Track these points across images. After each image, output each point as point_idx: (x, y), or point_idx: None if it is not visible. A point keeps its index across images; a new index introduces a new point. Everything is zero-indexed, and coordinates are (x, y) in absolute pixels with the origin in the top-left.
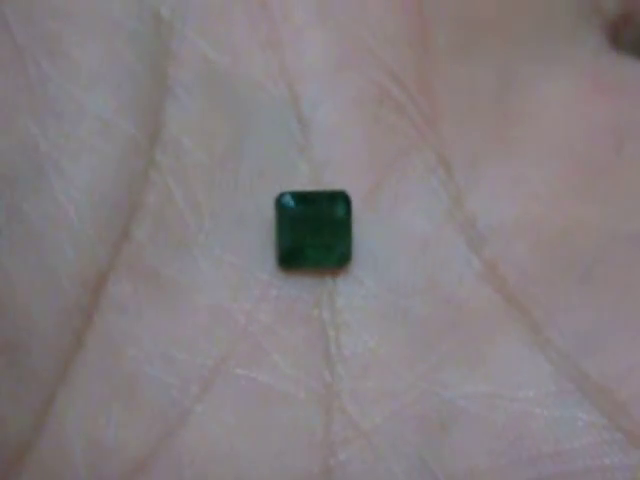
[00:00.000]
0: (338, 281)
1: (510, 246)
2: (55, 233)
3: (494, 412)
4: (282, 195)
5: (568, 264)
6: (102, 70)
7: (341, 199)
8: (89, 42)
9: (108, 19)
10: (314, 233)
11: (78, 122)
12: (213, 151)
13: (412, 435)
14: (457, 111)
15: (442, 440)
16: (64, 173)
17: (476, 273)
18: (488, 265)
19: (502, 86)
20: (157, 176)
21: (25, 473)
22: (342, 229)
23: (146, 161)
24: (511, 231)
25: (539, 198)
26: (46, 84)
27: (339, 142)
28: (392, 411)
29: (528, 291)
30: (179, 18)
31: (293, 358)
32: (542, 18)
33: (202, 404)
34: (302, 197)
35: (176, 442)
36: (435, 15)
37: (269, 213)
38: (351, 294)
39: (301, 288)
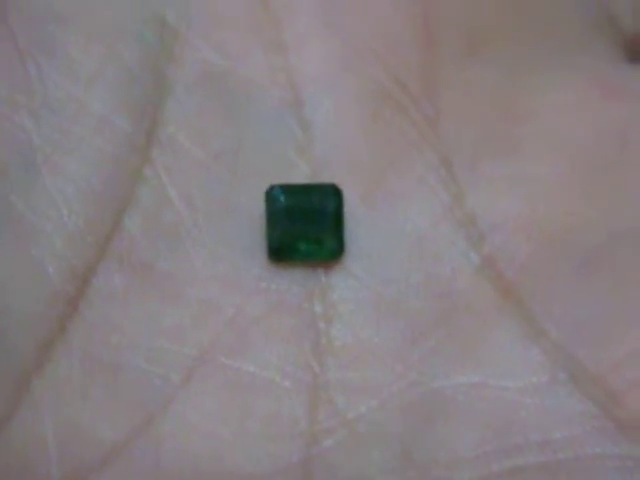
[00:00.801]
0: (331, 274)
1: (510, 242)
2: (44, 223)
3: (482, 401)
4: (272, 188)
5: (566, 258)
6: (101, 69)
7: (332, 192)
8: (90, 44)
9: (112, 23)
10: (304, 226)
11: (75, 118)
12: (210, 149)
13: (396, 424)
14: (459, 111)
15: (427, 429)
16: (57, 167)
17: (473, 268)
18: (486, 260)
19: (505, 88)
20: (152, 172)
21: None
22: (333, 222)
23: (141, 158)
24: (511, 228)
25: (540, 196)
26: (45, 83)
27: (339, 141)
28: (378, 401)
29: (525, 285)
30: (184, 23)
31: (281, 349)
32: (552, 26)
33: (184, 392)
34: (292, 190)
35: (154, 428)
36: (442, 20)
37: (263, 208)
38: (344, 287)
39: (292, 281)
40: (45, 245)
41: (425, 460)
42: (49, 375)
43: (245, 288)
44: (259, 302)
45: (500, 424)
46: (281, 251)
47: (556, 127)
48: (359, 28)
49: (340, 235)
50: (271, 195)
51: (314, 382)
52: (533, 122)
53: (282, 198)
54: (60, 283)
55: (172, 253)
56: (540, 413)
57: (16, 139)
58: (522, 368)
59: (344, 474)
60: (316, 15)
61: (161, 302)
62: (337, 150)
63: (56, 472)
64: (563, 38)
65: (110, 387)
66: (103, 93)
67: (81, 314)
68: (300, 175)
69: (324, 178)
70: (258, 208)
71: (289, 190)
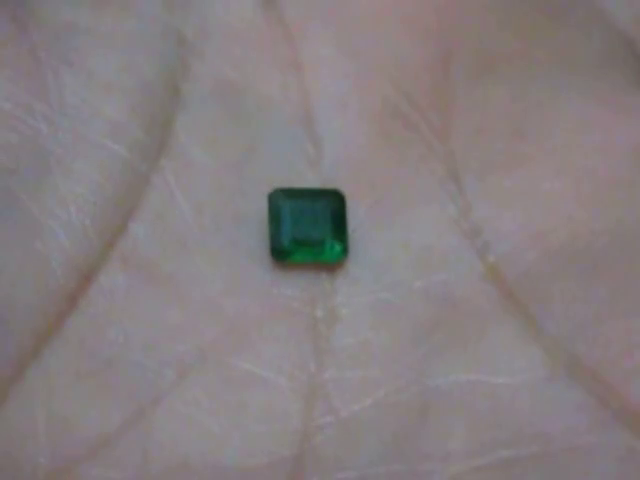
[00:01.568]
0: (334, 279)
1: (514, 251)
2: (51, 221)
3: (476, 397)
4: (275, 191)
5: (569, 263)
6: (118, 79)
7: (334, 196)
8: (108, 55)
9: (131, 36)
10: (307, 229)
11: (89, 123)
12: (221, 159)
13: (389, 421)
14: (468, 127)
15: (419, 425)
16: (68, 168)
17: (478, 276)
18: (491, 269)
19: (516, 106)
20: (160, 179)
21: None
22: (336, 225)
23: (151, 165)
24: (516, 238)
25: (546, 207)
26: (62, 90)
27: (349, 156)
28: (374, 399)
29: (526, 287)
30: (201, 39)
31: (279, 349)
32: (566, 51)
33: (178, 388)
34: (295, 194)
35: (145, 421)
36: (457, 43)
37: None
38: (346, 293)
39: (295, 286)
40: (51, 241)
41: (415, 455)
42: (44, 366)
43: (247, 291)
44: (261, 305)
45: (493, 417)
46: (284, 253)
47: (565, 144)
48: (372, 48)
49: (343, 238)
50: (274, 198)
51: (310, 380)
52: (542, 139)
53: (285, 201)
54: (63, 279)
55: (176, 255)
56: (535, 406)
57: (31, 141)
58: (520, 365)
59: (334, 469)
60: (331, 34)
61: (162, 301)
62: (346, 164)
63: (44, 461)
64: (578, 61)
65: (103, 380)
66: (118, 101)
67: (81, 310)
68: (308, 184)
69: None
70: (265, 214)
71: (292, 194)
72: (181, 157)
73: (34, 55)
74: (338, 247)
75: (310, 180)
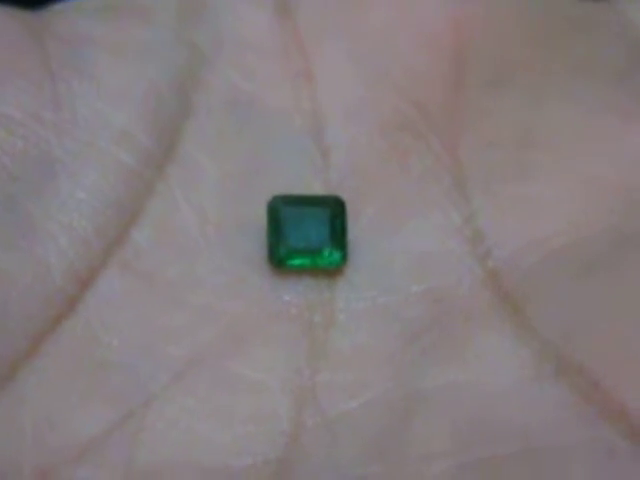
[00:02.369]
0: (333, 285)
1: (513, 257)
2: (53, 225)
3: (461, 397)
4: (274, 198)
5: (566, 267)
6: (128, 88)
7: (334, 202)
8: (119, 64)
9: (143, 47)
10: (306, 235)
11: (97, 131)
12: (227, 168)
13: (374, 422)
14: (478, 137)
15: (403, 426)
16: (72, 174)
17: (476, 280)
18: (489, 274)
19: (528, 117)
20: (165, 187)
21: None
22: (335, 231)
23: (157, 172)
24: (516, 243)
25: (548, 214)
26: (74, 101)
27: (356, 167)
28: (361, 401)
29: (522, 290)
30: (214, 50)
31: (274, 353)
32: (585, 61)
33: (169, 391)
34: (294, 200)
35: (134, 423)
36: (472, 54)
37: None
38: (345, 299)
39: (294, 292)
40: (51, 246)
41: (397, 456)
42: (36, 367)
43: (246, 297)
44: (258, 311)
45: (477, 416)
46: (283, 260)
47: (574, 153)
48: (384, 60)
49: (343, 244)
50: (273, 205)
51: (302, 384)
52: (549, 148)
53: (284, 207)
54: (62, 283)
55: (176, 262)
56: (520, 404)
57: (37, 150)
58: (509, 367)
59: (321, 469)
60: (343, 46)
61: (159, 306)
62: (353, 173)
63: (29, 461)
64: (597, 71)
65: (95, 382)
66: (127, 109)
67: (77, 313)
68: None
69: None
70: (266, 222)
71: (291, 200)
72: (188, 165)
73: (47, 66)
74: (336, 254)
75: (317, 189)
